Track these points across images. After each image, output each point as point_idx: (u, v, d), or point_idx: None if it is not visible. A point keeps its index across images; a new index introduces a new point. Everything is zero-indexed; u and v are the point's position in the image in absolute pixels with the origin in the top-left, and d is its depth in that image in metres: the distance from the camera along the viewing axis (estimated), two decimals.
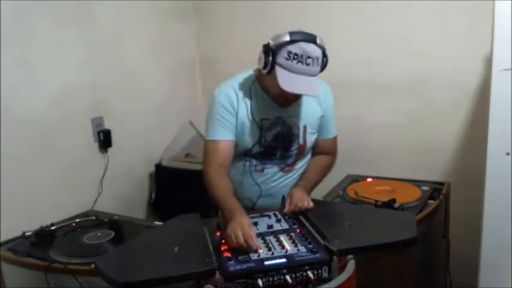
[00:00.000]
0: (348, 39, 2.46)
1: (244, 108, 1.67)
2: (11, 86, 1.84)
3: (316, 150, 1.84)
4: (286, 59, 1.49)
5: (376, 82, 2.43)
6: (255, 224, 1.52)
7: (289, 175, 1.79)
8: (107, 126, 2.30)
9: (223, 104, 1.66)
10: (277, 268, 1.24)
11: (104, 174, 2.28)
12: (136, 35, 2.47)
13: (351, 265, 1.33)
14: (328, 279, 1.26)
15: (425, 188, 1.99)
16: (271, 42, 1.52)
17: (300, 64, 1.49)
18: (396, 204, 1.77)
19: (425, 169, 2.32)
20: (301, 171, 1.81)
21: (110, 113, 2.31)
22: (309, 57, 1.48)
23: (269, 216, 1.59)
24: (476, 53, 2.10)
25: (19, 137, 1.89)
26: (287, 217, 1.57)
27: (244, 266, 1.24)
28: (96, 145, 2.27)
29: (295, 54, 1.48)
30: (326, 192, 2.04)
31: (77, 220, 1.86)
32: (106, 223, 1.78)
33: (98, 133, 2.26)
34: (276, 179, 1.77)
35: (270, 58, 1.51)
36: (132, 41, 2.44)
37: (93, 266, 1.37)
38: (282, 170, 1.76)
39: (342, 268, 1.30)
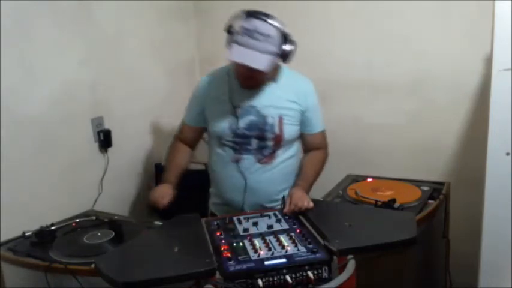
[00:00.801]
0: (348, 39, 2.46)
1: (220, 95, 1.77)
2: (11, 86, 1.84)
3: (305, 146, 1.87)
4: (239, 34, 1.58)
5: (376, 82, 2.43)
6: (255, 224, 1.52)
7: (268, 167, 1.78)
8: (107, 126, 2.29)
9: (197, 93, 1.86)
10: (277, 268, 1.24)
11: (104, 174, 2.28)
12: (136, 35, 2.47)
13: (351, 265, 1.33)
14: (328, 279, 1.26)
15: (425, 188, 1.99)
16: (231, 23, 1.61)
17: (249, 38, 1.56)
18: (396, 204, 1.77)
19: (425, 169, 2.32)
20: (283, 166, 1.81)
21: (110, 113, 2.31)
22: (259, 33, 1.55)
23: (269, 216, 1.59)
24: (476, 53, 2.11)
25: (19, 137, 1.89)
26: (287, 217, 1.57)
27: (244, 266, 1.24)
28: (96, 145, 2.27)
29: (246, 29, 1.57)
30: (326, 192, 2.04)
31: (77, 220, 1.85)
32: (106, 223, 1.78)
33: (98, 133, 2.25)
34: (254, 171, 1.77)
35: (229, 37, 1.61)
36: (132, 41, 2.44)
37: (93, 266, 1.37)
38: (259, 161, 1.77)
39: (342, 268, 1.31)
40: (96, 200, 2.20)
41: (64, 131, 2.09)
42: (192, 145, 1.94)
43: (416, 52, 2.30)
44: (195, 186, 2.05)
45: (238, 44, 1.58)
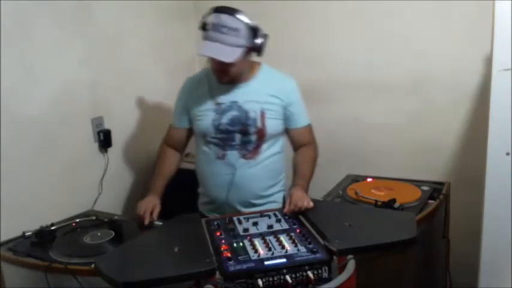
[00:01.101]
0: (348, 39, 2.46)
1: (201, 94, 1.82)
2: (11, 86, 1.84)
3: (293, 142, 1.89)
4: (207, 29, 1.65)
5: (376, 82, 2.43)
6: (255, 224, 1.52)
7: (253, 163, 1.81)
8: (107, 126, 2.29)
9: (180, 95, 1.92)
10: (277, 268, 1.24)
11: (104, 174, 2.28)
12: (137, 35, 2.47)
13: (351, 265, 1.33)
14: (328, 279, 1.26)
15: (425, 188, 1.99)
16: (203, 21, 1.68)
17: (214, 32, 1.62)
18: (396, 204, 1.77)
19: (425, 169, 2.32)
20: (268, 162, 1.83)
21: (110, 113, 2.31)
22: (223, 26, 1.60)
23: (269, 216, 1.59)
24: (476, 53, 2.10)
25: (19, 137, 1.89)
26: (287, 217, 1.57)
27: (244, 266, 1.24)
28: (96, 145, 2.27)
29: (212, 23, 1.63)
30: (326, 192, 2.04)
31: (77, 220, 1.85)
32: (106, 223, 1.78)
33: (98, 133, 2.25)
34: (239, 167, 1.80)
35: (202, 33, 1.67)
36: (132, 41, 2.44)
37: (93, 266, 1.37)
38: (243, 156, 1.80)
39: (342, 268, 1.31)
40: (96, 200, 2.20)
41: (64, 131, 2.09)
42: (180, 148, 1.98)
43: (416, 52, 2.30)
44: (195, 186, 2.05)
45: (208, 39, 1.64)
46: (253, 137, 1.78)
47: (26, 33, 1.91)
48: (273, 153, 1.84)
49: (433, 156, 2.36)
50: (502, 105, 1.55)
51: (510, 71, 1.52)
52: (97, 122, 2.25)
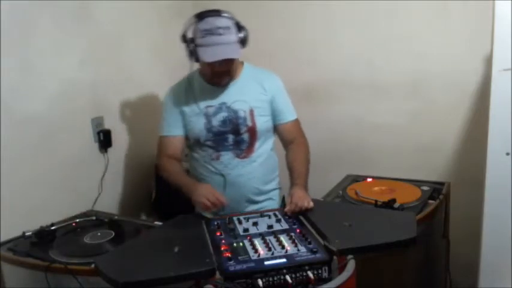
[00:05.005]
0: (348, 39, 2.46)
1: (189, 100, 1.83)
2: (11, 86, 1.84)
3: (282, 139, 1.89)
4: (202, 37, 1.65)
5: (377, 82, 2.43)
6: (255, 224, 1.52)
7: (247, 161, 1.82)
8: (107, 126, 2.29)
9: (169, 103, 1.87)
10: (277, 268, 1.24)
11: (104, 174, 2.28)
12: (137, 35, 2.47)
13: (351, 265, 1.33)
14: (328, 279, 1.26)
15: (425, 188, 1.99)
16: (185, 32, 1.70)
17: (213, 36, 1.64)
18: (396, 204, 1.77)
19: (425, 169, 2.32)
20: (262, 160, 1.84)
21: (110, 113, 2.31)
22: (218, 27, 1.63)
23: (269, 216, 1.59)
24: (476, 53, 2.11)
25: (19, 137, 1.89)
26: (287, 217, 1.58)
27: (244, 266, 1.24)
28: (96, 145, 2.27)
29: (206, 29, 1.64)
30: (326, 192, 2.04)
31: (77, 220, 1.85)
32: (106, 223, 1.78)
33: (98, 133, 2.25)
34: (234, 167, 1.81)
35: (191, 45, 1.69)
36: (132, 41, 2.44)
37: (93, 266, 1.37)
38: (238, 156, 1.81)
39: (342, 268, 1.31)
40: (96, 200, 2.20)
41: (64, 131, 2.09)
42: (179, 158, 1.89)
43: (416, 52, 2.30)
44: None
45: (204, 46, 1.65)
46: (246, 136, 1.80)
47: (26, 33, 1.91)
48: (266, 151, 1.86)
49: (433, 156, 2.36)
50: (502, 105, 1.55)
51: (510, 71, 1.52)
52: (97, 122, 2.25)
